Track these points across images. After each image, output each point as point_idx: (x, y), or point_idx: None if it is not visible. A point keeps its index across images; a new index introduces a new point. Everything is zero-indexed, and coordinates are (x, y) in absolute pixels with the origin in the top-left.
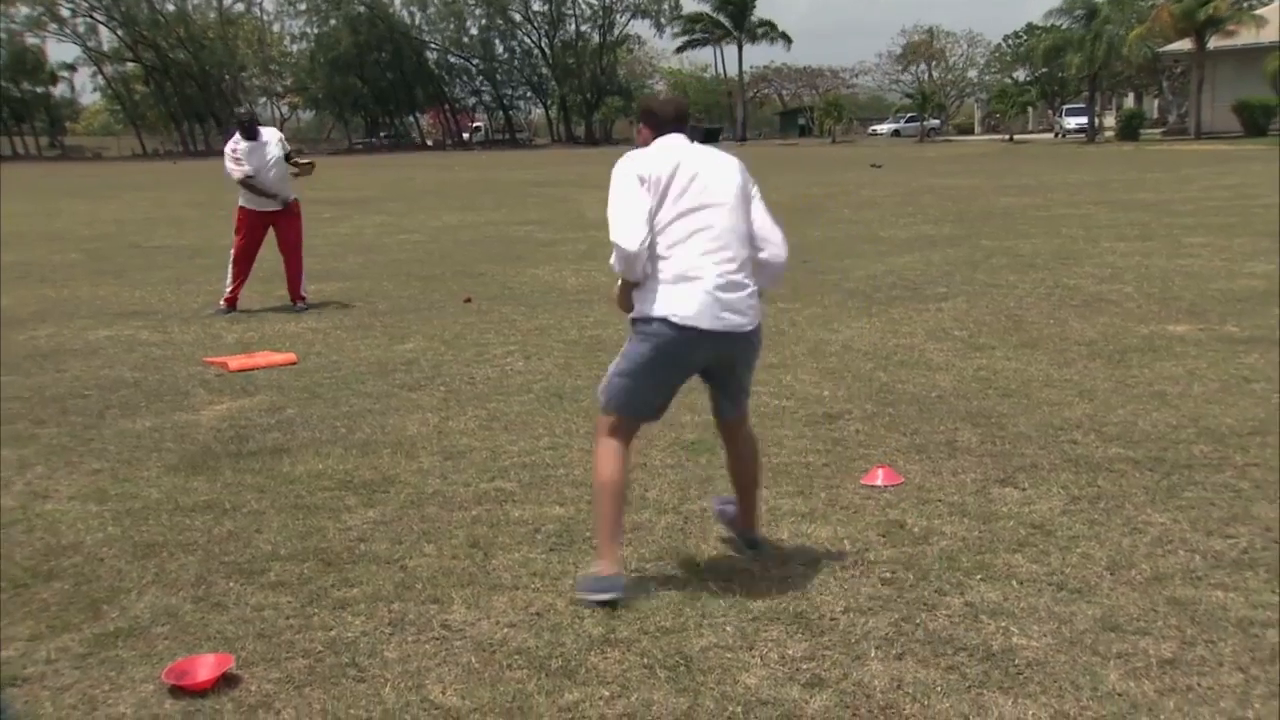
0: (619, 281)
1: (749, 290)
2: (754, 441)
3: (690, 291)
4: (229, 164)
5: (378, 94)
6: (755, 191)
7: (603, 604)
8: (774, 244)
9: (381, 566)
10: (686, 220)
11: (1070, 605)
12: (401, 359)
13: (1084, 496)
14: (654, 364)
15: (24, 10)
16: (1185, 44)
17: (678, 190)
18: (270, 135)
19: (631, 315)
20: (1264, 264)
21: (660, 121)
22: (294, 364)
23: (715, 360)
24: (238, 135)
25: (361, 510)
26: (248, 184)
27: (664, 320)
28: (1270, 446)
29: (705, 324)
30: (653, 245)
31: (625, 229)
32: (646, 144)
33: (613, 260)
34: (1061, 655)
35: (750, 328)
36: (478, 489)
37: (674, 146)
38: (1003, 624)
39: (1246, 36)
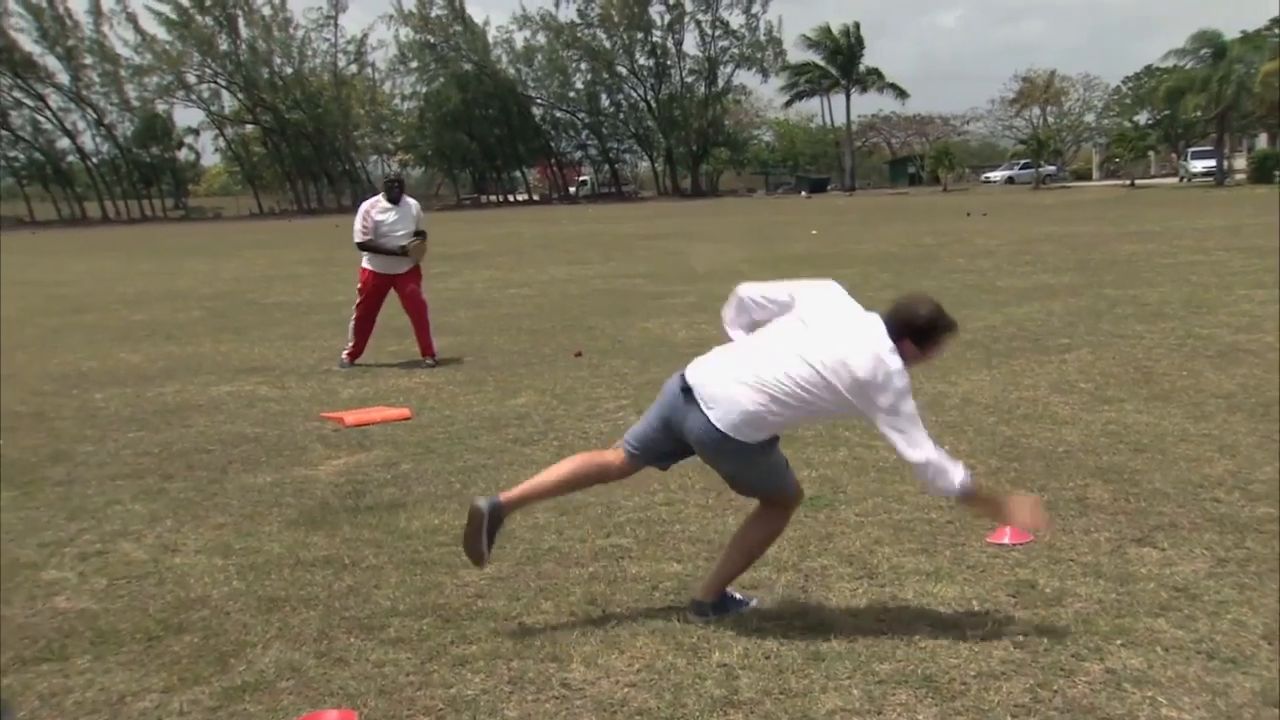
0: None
1: (724, 407)
2: (766, 526)
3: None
4: (357, 222)
5: (485, 150)
6: (883, 400)
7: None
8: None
9: (500, 623)
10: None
11: (1224, 676)
12: (514, 413)
13: (1231, 559)
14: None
15: (154, 80)
16: None
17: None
18: (412, 205)
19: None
20: None
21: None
22: (408, 419)
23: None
24: (381, 196)
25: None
26: (366, 247)
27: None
28: None
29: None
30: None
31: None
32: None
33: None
34: None
35: (708, 424)
36: (594, 545)
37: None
38: (1149, 694)
39: None
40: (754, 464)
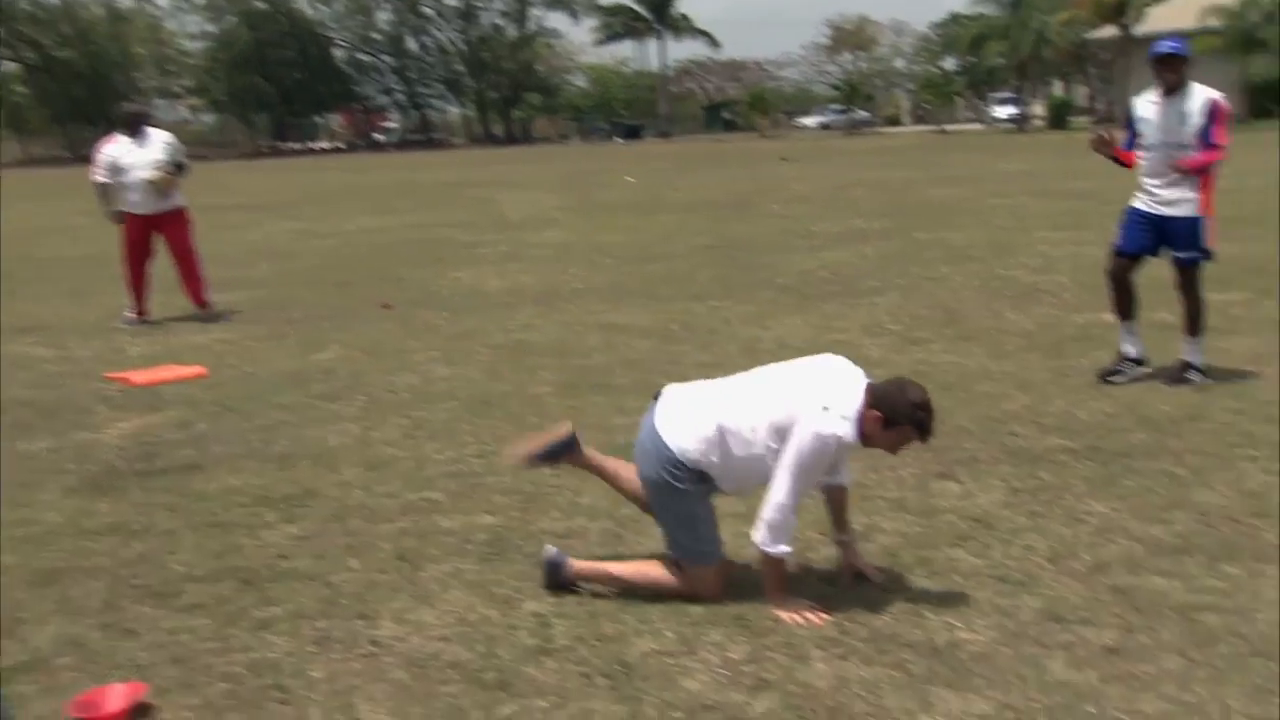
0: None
1: (667, 442)
2: (669, 575)
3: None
4: (93, 164)
5: (283, 94)
6: (801, 443)
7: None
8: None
9: (304, 583)
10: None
11: (1013, 598)
12: (319, 368)
13: (1024, 488)
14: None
15: None
16: (1112, 30)
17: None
18: (157, 137)
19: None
20: None
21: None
22: (204, 377)
23: None
24: (120, 132)
25: (281, 526)
26: (108, 192)
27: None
28: (1205, 432)
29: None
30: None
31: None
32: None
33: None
34: (1006, 648)
35: (653, 428)
36: (404, 500)
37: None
38: (946, 619)
39: (1165, 23)
40: (676, 501)
